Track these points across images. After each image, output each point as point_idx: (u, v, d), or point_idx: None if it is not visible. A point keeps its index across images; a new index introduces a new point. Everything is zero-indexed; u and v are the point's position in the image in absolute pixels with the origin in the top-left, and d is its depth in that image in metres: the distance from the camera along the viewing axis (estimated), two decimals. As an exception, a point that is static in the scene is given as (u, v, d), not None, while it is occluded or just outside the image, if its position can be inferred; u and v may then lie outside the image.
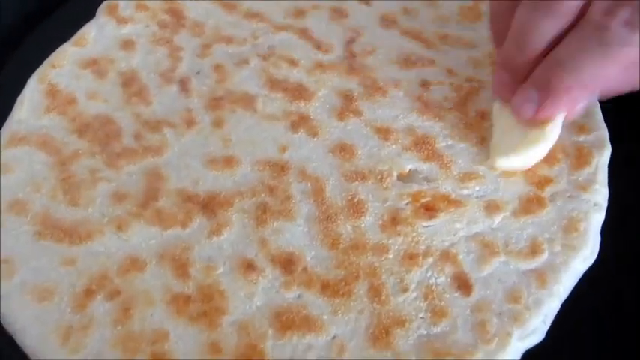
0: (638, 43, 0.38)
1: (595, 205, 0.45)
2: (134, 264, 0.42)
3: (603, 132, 0.48)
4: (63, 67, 0.52)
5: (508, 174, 0.45)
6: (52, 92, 0.50)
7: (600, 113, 0.49)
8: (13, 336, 0.40)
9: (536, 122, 0.43)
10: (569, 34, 0.40)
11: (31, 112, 0.49)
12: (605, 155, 0.47)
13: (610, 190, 0.46)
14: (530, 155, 0.44)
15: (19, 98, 0.50)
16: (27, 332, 0.39)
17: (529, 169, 0.45)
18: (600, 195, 0.45)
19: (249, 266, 0.42)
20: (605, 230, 0.44)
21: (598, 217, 0.44)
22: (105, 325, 0.39)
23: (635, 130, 0.50)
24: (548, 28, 0.41)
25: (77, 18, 0.56)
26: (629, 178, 0.47)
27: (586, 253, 0.43)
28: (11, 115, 0.49)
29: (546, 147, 0.44)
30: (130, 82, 0.51)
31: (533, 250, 0.42)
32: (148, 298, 0.40)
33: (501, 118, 0.45)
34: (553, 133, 0.43)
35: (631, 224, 0.46)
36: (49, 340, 0.39)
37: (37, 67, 0.52)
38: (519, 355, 0.40)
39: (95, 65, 0.52)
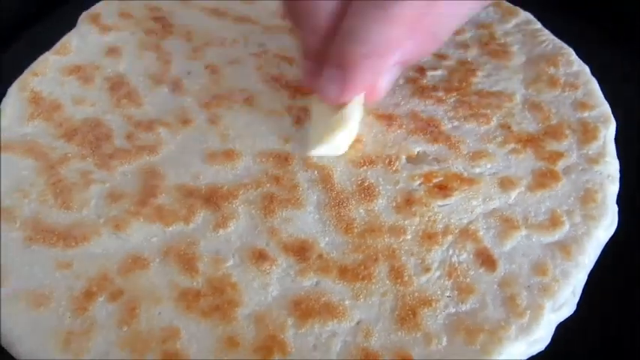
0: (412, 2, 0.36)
1: (609, 176, 0.44)
2: (136, 263, 0.39)
3: (606, 107, 0.48)
4: (45, 74, 0.50)
5: (517, 150, 0.44)
6: (35, 99, 0.48)
7: (599, 90, 0.49)
8: (8, 348, 0.36)
9: (345, 102, 0.40)
10: (351, 4, 0.38)
11: (14, 119, 0.47)
12: (610, 129, 0.46)
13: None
14: (337, 140, 0.41)
15: (1, 106, 0.48)
16: (23, 341, 0.36)
17: None
18: (612, 166, 0.44)
19: (260, 256, 0.39)
20: (620, 202, 0.43)
21: (613, 188, 0.43)
22: (109, 327, 0.36)
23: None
24: (328, 2, 0.38)
25: (57, 30, 0.54)
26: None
27: (607, 223, 0.42)
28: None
29: (350, 130, 0.42)
30: (117, 86, 0.49)
31: (554, 222, 0.41)
32: (153, 296, 0.37)
33: (317, 106, 0.43)
34: (353, 115, 0.41)
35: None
36: (48, 347, 0.35)
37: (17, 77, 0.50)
38: (553, 329, 0.38)
39: (80, 72, 0.50)
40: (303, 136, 0.45)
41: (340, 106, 0.41)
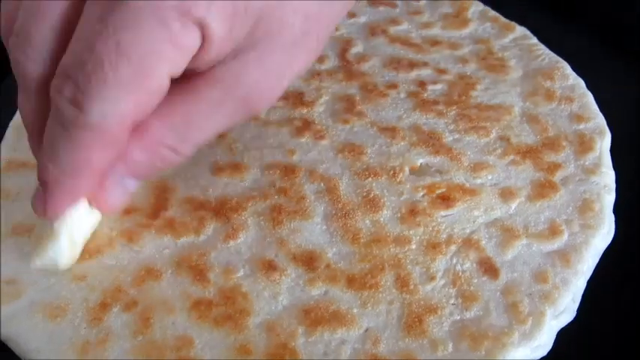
0: (92, 122, 0.30)
1: (605, 186, 0.45)
2: (149, 274, 0.40)
3: (601, 119, 0.49)
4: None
5: (517, 162, 0.46)
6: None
7: (594, 103, 0.50)
8: (24, 360, 0.37)
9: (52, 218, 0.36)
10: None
11: (19, 148, 0.47)
12: (606, 140, 0.48)
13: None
14: (49, 255, 0.38)
15: (12, 123, 0.49)
16: (41, 352, 0.37)
17: None
18: (608, 177, 0.46)
19: (270, 266, 0.40)
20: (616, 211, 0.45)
21: (609, 198, 0.45)
22: (124, 337, 0.37)
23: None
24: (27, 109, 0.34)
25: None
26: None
27: (604, 232, 0.43)
28: (5, 139, 0.47)
29: (68, 244, 0.38)
30: (126, 102, 0.50)
31: (553, 231, 0.42)
32: (167, 306, 0.38)
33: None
34: (64, 226, 0.37)
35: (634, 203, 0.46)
36: (65, 357, 0.36)
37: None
38: (554, 335, 0.39)
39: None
40: (307, 146, 0.47)
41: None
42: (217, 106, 0.34)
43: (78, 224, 0.37)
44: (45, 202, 0.34)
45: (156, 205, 0.43)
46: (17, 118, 0.49)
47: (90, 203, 0.37)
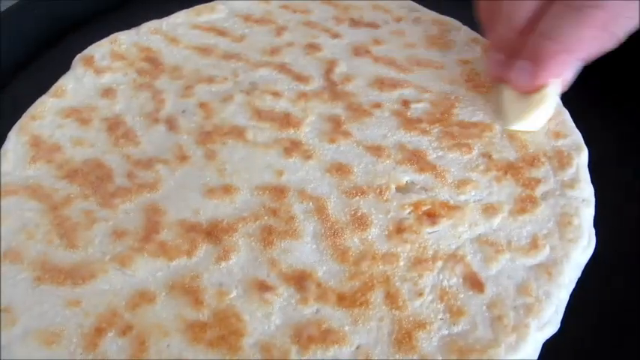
0: (606, 5, 0.44)
1: (583, 200, 0.47)
2: (143, 297, 0.40)
3: (577, 136, 0.51)
4: (44, 118, 0.51)
5: (499, 178, 0.47)
6: (36, 143, 0.50)
7: (571, 120, 0.52)
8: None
9: (534, 89, 0.48)
10: (549, 7, 0.47)
11: (16, 163, 0.48)
12: (583, 156, 0.49)
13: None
14: (538, 116, 0.49)
15: (2, 152, 0.49)
16: (37, 378, 0.37)
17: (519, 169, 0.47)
18: (586, 191, 0.47)
19: (262, 287, 0.41)
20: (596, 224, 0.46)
21: (589, 211, 0.46)
22: (120, 361, 0.38)
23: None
24: (529, 3, 0.48)
25: (50, 71, 0.56)
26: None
27: (584, 244, 0.44)
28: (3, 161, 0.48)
29: (549, 107, 0.49)
30: (115, 126, 0.51)
31: (535, 246, 0.44)
32: (162, 329, 0.39)
33: (505, 92, 0.51)
34: (552, 94, 0.48)
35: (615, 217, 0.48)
36: (62, 383, 0.37)
37: (15, 119, 0.51)
38: (539, 347, 0.40)
39: (77, 114, 0.52)
40: (295, 166, 0.48)
41: (532, 91, 0.48)
42: None
43: (554, 96, 0.49)
44: (534, 75, 0.47)
45: (147, 228, 0.44)
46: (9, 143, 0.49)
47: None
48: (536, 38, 0.47)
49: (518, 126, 0.50)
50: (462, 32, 0.59)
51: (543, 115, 0.49)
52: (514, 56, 0.49)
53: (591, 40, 0.45)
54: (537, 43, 0.47)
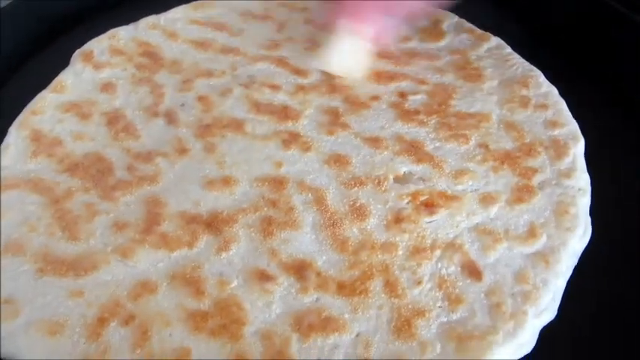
0: None
1: (580, 189, 0.47)
2: (145, 288, 0.41)
3: (574, 125, 0.51)
4: (44, 112, 0.52)
5: (496, 168, 0.48)
6: (37, 137, 0.50)
7: (567, 110, 0.53)
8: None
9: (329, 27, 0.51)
10: None
11: (17, 157, 0.48)
12: (579, 145, 0.50)
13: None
14: (339, 56, 0.51)
15: (2, 146, 0.49)
16: (41, 367, 0.37)
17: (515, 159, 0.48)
18: (582, 180, 0.48)
19: (262, 276, 0.41)
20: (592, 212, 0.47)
21: (584, 200, 0.47)
22: (123, 350, 0.38)
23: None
24: None
25: (49, 66, 0.56)
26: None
27: (580, 233, 0.45)
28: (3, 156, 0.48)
29: (350, 50, 0.51)
30: (114, 120, 0.51)
31: (532, 234, 0.44)
32: (164, 319, 0.39)
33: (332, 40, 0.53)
34: (344, 35, 0.50)
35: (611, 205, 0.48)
36: (65, 372, 0.37)
37: (17, 115, 0.52)
38: (537, 333, 0.41)
39: (77, 108, 0.52)
40: (294, 158, 0.48)
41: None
42: None
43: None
44: (333, 10, 0.49)
45: (148, 220, 0.44)
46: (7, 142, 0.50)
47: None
48: None
49: (327, 67, 0.53)
50: (454, 22, 0.60)
51: (338, 57, 0.51)
52: None
53: None
54: None
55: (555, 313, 0.42)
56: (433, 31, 0.60)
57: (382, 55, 0.56)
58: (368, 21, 0.49)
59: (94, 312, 0.40)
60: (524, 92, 0.53)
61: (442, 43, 0.58)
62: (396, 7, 0.49)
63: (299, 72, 0.55)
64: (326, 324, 0.39)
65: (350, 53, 0.51)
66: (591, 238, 0.46)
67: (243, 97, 0.53)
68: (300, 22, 0.60)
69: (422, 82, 0.54)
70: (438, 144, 0.49)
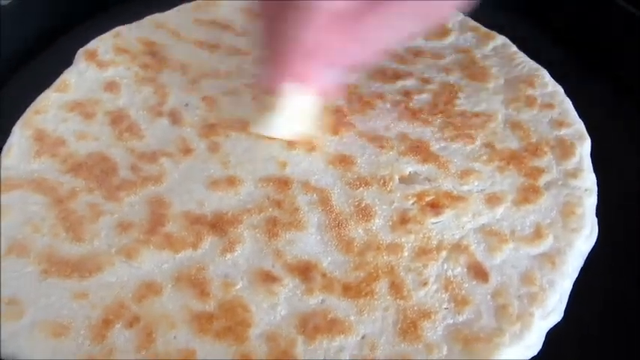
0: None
1: (586, 190, 0.47)
2: (150, 289, 0.41)
3: (580, 125, 0.51)
4: (48, 112, 0.51)
5: (502, 168, 0.47)
6: (40, 137, 0.50)
7: (574, 109, 0.52)
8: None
9: (273, 92, 0.43)
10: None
11: (20, 157, 0.48)
12: (586, 145, 0.50)
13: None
14: (277, 120, 0.45)
15: (6, 146, 0.49)
16: (45, 369, 0.37)
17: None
18: (589, 181, 0.48)
19: (267, 278, 0.41)
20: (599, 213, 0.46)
21: (591, 201, 0.47)
22: (128, 352, 0.38)
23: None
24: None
25: (53, 65, 0.56)
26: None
27: (586, 234, 0.45)
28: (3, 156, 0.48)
29: (293, 113, 0.44)
30: (118, 120, 0.51)
31: (539, 235, 0.44)
32: (168, 320, 0.39)
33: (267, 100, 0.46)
34: (288, 99, 0.43)
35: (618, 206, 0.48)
36: (70, 373, 0.37)
37: (19, 115, 0.52)
38: (544, 335, 0.41)
39: (81, 108, 0.52)
40: (299, 158, 0.48)
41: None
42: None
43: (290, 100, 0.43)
44: (274, 75, 0.41)
45: (153, 220, 0.44)
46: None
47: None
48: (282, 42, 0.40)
49: (260, 129, 0.46)
50: (459, 21, 0.59)
51: (287, 121, 0.45)
52: None
53: (336, 45, 0.39)
54: (280, 46, 0.40)
55: (562, 314, 0.42)
56: (438, 29, 0.59)
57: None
58: (313, 79, 0.41)
59: (99, 314, 0.40)
60: (530, 91, 0.53)
61: (447, 41, 0.58)
62: (340, 58, 0.41)
63: (303, 71, 0.54)
64: (331, 326, 0.39)
65: (300, 114, 0.45)
66: (597, 238, 0.45)
67: (249, 97, 0.52)
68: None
69: (427, 81, 0.54)
70: (443, 144, 0.49)
